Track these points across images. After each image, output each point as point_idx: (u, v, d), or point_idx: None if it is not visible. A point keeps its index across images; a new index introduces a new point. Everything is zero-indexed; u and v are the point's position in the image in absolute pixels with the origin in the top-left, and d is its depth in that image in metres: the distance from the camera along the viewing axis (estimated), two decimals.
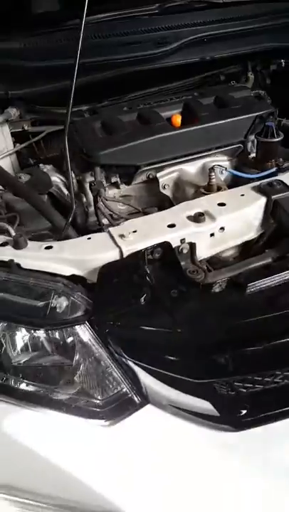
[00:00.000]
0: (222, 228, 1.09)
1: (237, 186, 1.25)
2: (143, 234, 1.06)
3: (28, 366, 1.03)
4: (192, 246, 1.07)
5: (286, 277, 0.97)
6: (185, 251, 1.07)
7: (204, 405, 0.95)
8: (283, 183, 1.15)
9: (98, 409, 0.98)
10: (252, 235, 1.15)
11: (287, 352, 0.93)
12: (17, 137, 1.54)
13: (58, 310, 0.97)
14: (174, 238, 1.05)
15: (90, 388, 1.00)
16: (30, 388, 1.02)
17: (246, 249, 1.22)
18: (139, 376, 0.97)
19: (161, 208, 1.31)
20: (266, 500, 0.92)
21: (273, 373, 0.93)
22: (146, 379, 0.97)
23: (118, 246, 1.03)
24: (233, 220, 1.10)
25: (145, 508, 0.95)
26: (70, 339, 1.01)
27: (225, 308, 0.97)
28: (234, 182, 1.36)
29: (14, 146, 1.53)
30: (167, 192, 1.37)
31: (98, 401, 0.99)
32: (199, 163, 1.37)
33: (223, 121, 1.33)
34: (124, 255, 1.03)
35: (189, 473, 0.95)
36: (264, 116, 1.37)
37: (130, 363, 0.97)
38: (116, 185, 1.37)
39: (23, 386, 1.02)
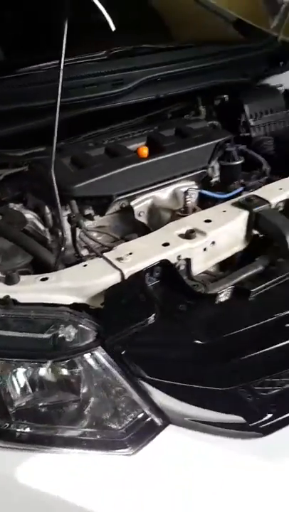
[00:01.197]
0: (213, 242, 1.13)
1: (204, 209, 1.32)
2: (140, 255, 1.06)
3: (32, 407, 0.97)
4: (188, 262, 1.09)
5: (286, 279, 1.02)
6: (182, 267, 1.09)
7: (226, 416, 0.94)
8: (259, 197, 1.23)
9: (120, 439, 0.93)
10: (239, 247, 1.20)
11: None
12: None
13: (67, 339, 0.92)
14: (170, 256, 1.07)
15: (104, 419, 0.95)
16: (37, 431, 0.95)
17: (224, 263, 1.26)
18: (157, 396, 0.95)
19: (139, 235, 1.33)
20: None
21: None
22: (164, 398, 0.95)
23: (118, 269, 1.02)
24: (222, 233, 1.14)
25: None
26: (77, 370, 0.96)
27: (235, 315, 0.99)
28: (200, 205, 1.43)
29: None
30: (142, 219, 1.39)
31: (118, 430, 0.94)
32: (170, 189, 1.42)
33: (188, 150, 1.41)
34: (126, 277, 1.02)
35: (225, 486, 0.92)
36: (222, 144, 1.47)
37: (146, 384, 0.94)
38: (89, 217, 1.38)
39: (28, 429, 0.95)
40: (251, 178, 1.48)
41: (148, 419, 0.94)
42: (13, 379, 0.95)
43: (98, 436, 0.94)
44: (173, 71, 1.57)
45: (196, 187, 1.45)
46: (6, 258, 1.19)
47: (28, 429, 0.95)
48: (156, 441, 0.93)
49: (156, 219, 1.38)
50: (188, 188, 1.36)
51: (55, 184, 1.11)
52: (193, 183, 1.46)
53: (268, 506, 0.89)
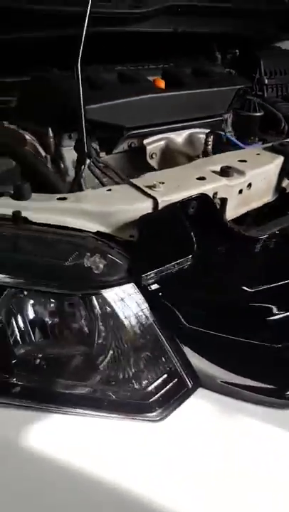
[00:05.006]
0: (249, 185, 0.98)
1: None
2: (174, 186, 0.89)
3: (34, 356, 0.77)
4: (224, 202, 0.94)
5: None
6: (217, 207, 0.94)
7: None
8: None
9: (143, 401, 0.76)
10: (269, 198, 1.07)
11: None
12: None
13: (95, 271, 0.73)
14: (207, 191, 0.91)
15: (124, 375, 0.78)
16: (37, 384, 0.76)
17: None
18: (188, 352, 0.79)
19: None
20: None
21: None
22: (194, 356, 0.79)
23: (152, 196, 0.85)
24: (259, 176, 1.00)
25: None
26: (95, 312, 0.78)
27: (284, 262, 0.85)
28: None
29: None
30: (153, 162, 1.22)
31: (141, 389, 0.77)
32: (185, 133, 1.26)
33: (208, 90, 1.26)
34: (160, 207, 0.85)
35: (259, 461, 0.78)
36: (243, 91, 1.34)
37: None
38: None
39: (26, 383, 0.76)
40: (269, 134, 1.36)
41: (179, 378, 0.78)
42: (18, 318, 0.75)
43: (114, 396, 0.77)
44: (194, 3, 1.38)
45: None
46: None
47: (26, 383, 0.76)
48: (185, 407, 0.77)
49: (169, 164, 1.21)
50: (205, 132, 1.21)
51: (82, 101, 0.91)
52: (208, 131, 1.31)
53: None
